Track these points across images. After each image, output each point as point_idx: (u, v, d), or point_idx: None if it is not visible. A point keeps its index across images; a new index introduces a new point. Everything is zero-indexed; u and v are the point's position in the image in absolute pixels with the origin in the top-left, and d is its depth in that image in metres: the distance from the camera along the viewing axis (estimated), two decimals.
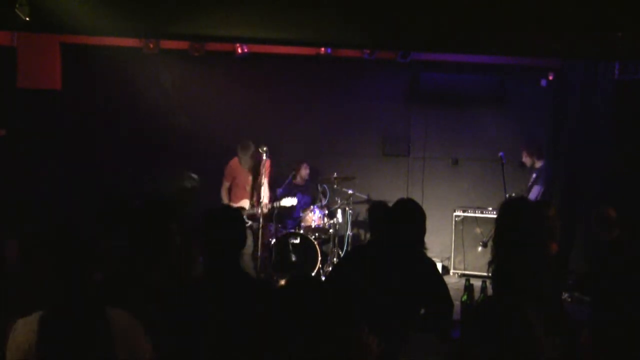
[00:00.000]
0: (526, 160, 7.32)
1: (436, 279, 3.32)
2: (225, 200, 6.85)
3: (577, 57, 7.40)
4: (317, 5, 4.78)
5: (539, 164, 7.25)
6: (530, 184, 7.28)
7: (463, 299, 3.53)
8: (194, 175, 5.70)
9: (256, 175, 6.62)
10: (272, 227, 7.00)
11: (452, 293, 3.39)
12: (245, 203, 6.41)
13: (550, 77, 8.17)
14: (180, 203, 4.85)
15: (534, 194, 7.04)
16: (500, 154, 7.09)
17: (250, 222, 6.18)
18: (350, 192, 7.38)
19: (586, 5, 4.53)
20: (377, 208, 5.21)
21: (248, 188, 6.55)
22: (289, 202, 6.85)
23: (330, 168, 7.69)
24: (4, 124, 7.34)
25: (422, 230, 3.25)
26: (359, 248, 4.19)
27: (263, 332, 2.21)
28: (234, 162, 6.92)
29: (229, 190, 6.93)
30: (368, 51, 7.81)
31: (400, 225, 3.22)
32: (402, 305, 3.15)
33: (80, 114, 7.62)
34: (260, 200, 6.56)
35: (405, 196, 8.21)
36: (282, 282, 2.34)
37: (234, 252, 2.56)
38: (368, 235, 7.65)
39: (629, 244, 4.43)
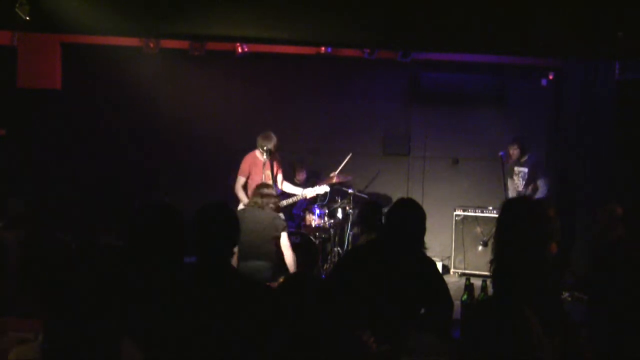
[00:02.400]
0: (514, 152, 7.20)
1: (436, 279, 3.31)
2: (242, 197, 6.29)
3: (577, 57, 7.40)
4: (318, 4, 4.78)
5: (524, 158, 7.22)
6: (525, 180, 7.20)
7: (463, 299, 3.52)
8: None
9: (272, 169, 6.24)
10: None
11: (452, 292, 3.39)
12: None
13: (551, 77, 8.17)
14: None
15: (543, 189, 7.00)
16: (501, 153, 7.09)
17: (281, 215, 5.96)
18: (350, 191, 7.38)
19: (586, 4, 4.53)
20: (368, 208, 5.24)
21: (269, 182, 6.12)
22: (322, 189, 6.77)
23: (330, 167, 7.68)
24: (4, 124, 7.34)
25: (422, 230, 3.24)
26: (358, 248, 4.17)
27: (252, 332, 2.18)
28: (251, 155, 6.37)
29: (245, 186, 6.38)
30: (368, 50, 7.81)
31: (400, 225, 3.21)
32: (403, 306, 3.14)
33: (80, 113, 7.63)
34: (281, 190, 6.41)
35: (405, 195, 8.27)
36: (280, 279, 2.31)
37: (225, 250, 2.51)
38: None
39: (631, 244, 4.43)
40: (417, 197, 8.35)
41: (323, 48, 7.80)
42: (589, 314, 4.28)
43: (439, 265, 7.46)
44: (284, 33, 5.93)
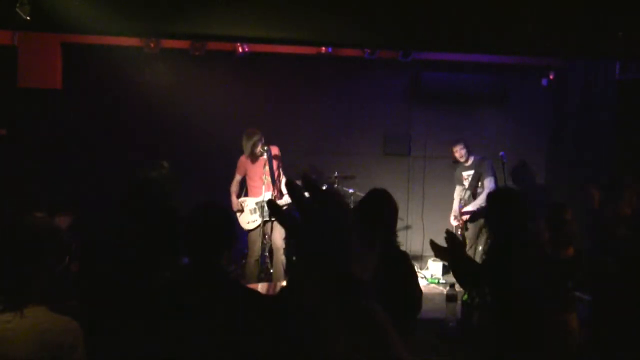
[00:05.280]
0: (461, 152, 7.15)
1: (407, 271, 3.12)
2: (232, 193, 6.57)
3: (577, 57, 7.40)
4: (318, 4, 4.79)
5: (470, 160, 7.18)
6: (470, 182, 7.12)
7: (464, 299, 3.53)
8: (164, 163, 5.65)
9: (271, 166, 6.19)
10: None
11: (454, 292, 3.39)
12: (267, 196, 6.07)
13: (551, 77, 8.18)
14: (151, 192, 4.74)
15: (489, 187, 6.84)
16: (501, 153, 7.08)
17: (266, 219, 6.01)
18: (351, 191, 7.37)
19: (586, 4, 4.54)
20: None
21: (266, 180, 6.14)
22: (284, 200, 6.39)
23: (331, 167, 7.68)
24: (4, 124, 7.33)
25: (387, 217, 3.05)
26: None
27: (243, 336, 2.16)
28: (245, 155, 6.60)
29: (242, 184, 6.64)
30: (369, 50, 7.81)
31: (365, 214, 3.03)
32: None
33: (81, 113, 7.61)
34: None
35: (406, 195, 8.27)
36: (283, 283, 2.28)
37: (214, 252, 2.49)
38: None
39: (632, 244, 4.43)
40: (417, 197, 8.39)
41: (323, 48, 7.80)
42: (590, 314, 4.28)
43: (440, 265, 7.46)
44: (284, 33, 5.93)
